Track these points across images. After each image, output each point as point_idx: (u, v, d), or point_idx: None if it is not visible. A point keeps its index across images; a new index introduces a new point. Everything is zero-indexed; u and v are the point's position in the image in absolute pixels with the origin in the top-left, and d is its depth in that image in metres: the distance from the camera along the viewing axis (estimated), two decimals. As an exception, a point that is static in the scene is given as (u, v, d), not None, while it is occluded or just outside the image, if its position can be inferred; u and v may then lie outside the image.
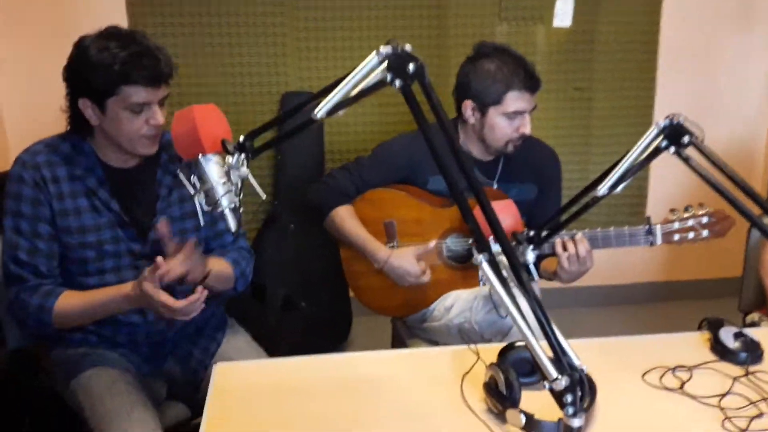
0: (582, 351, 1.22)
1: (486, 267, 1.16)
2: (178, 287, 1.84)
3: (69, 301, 1.75)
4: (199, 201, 1.44)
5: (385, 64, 1.24)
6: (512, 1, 3.19)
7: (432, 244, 2.12)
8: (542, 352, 1.12)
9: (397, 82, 1.23)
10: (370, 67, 1.26)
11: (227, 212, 1.44)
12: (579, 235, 2.00)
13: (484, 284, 1.81)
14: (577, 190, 1.65)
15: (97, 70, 1.66)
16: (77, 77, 1.72)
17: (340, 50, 3.15)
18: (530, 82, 2.08)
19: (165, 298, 1.62)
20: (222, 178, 1.41)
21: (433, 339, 2.24)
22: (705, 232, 1.97)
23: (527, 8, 3.20)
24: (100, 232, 1.79)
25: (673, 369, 1.54)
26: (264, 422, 1.41)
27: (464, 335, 2.09)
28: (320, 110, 1.33)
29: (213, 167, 1.44)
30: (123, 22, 3.01)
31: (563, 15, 3.19)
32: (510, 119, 2.10)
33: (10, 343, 1.99)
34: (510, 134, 2.12)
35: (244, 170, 1.47)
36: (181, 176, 1.50)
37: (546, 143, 2.37)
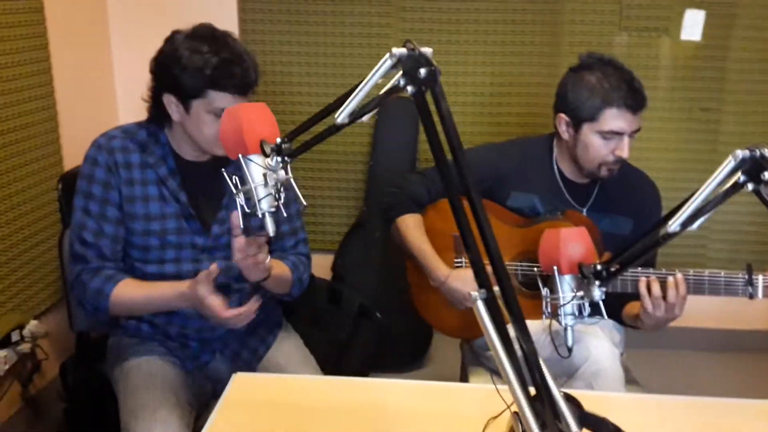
0: (632, 408, 1.03)
1: (480, 306, 1.01)
2: (235, 285, 1.82)
3: (126, 289, 1.76)
4: (240, 203, 1.38)
5: (400, 67, 1.11)
6: (634, 10, 2.93)
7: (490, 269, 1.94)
8: (532, 415, 0.95)
9: (410, 88, 1.10)
10: (384, 70, 1.14)
11: (267, 216, 1.38)
12: (671, 279, 1.77)
13: (547, 317, 1.62)
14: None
15: (187, 71, 1.67)
16: (166, 73, 1.73)
17: (445, 54, 3.03)
18: (632, 100, 1.86)
19: (214, 303, 1.61)
20: (263, 181, 1.36)
21: (497, 370, 2.07)
22: (816, 286, 1.69)
23: (651, 18, 2.93)
24: (165, 221, 1.80)
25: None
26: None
27: (528, 371, 1.91)
28: (340, 115, 1.23)
29: (254, 168, 1.38)
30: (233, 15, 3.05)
31: (692, 27, 2.89)
32: (606, 139, 1.90)
33: (76, 327, 2.04)
34: (604, 156, 1.92)
35: (282, 174, 1.39)
36: (225, 176, 1.45)
37: (649, 177, 2.13)
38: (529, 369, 0.96)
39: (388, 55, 1.13)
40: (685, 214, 1.33)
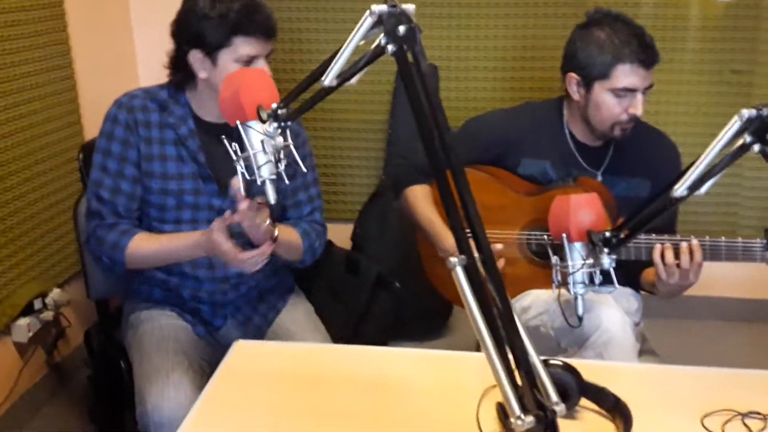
0: (638, 378, 0.99)
1: (459, 272, 0.98)
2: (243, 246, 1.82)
3: (143, 242, 1.79)
4: (241, 170, 1.37)
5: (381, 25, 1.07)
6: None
7: (499, 246, 1.91)
8: (509, 384, 0.93)
9: (390, 47, 1.06)
10: (365, 29, 1.10)
11: (267, 183, 1.37)
12: (684, 245, 1.72)
13: (557, 287, 1.58)
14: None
15: (211, 20, 1.69)
16: (189, 30, 1.74)
17: (465, 18, 2.96)
18: (644, 55, 1.79)
19: (229, 247, 1.63)
20: (261, 148, 1.34)
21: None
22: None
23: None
24: (183, 181, 1.82)
25: (744, 414, 1.26)
26: (261, 407, 1.33)
27: (539, 341, 1.87)
28: (326, 77, 1.20)
29: (253, 135, 1.37)
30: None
31: (723, -15, 2.78)
32: (618, 97, 1.84)
33: (93, 294, 2.07)
34: (617, 115, 1.85)
35: (280, 140, 1.38)
36: (226, 143, 1.44)
37: (668, 137, 2.06)
38: (507, 338, 0.93)
39: (368, 12, 1.09)
40: (692, 177, 1.29)
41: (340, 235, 3.09)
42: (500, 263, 1.94)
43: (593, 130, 1.92)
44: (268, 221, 1.64)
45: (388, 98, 3.06)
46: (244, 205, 1.57)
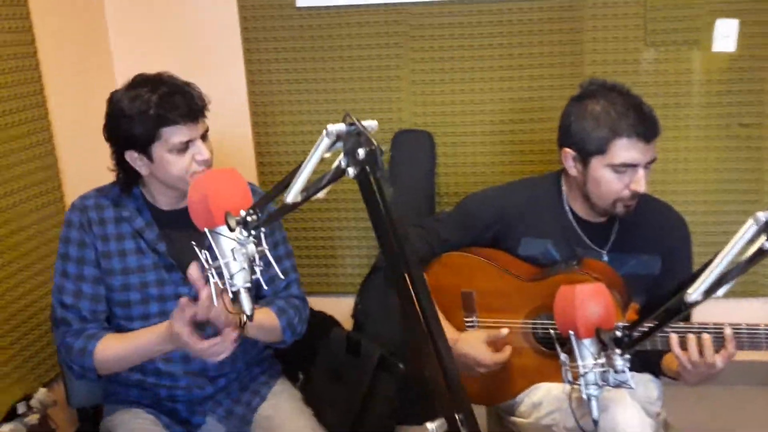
0: None
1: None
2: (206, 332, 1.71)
3: (109, 343, 1.73)
4: (213, 280, 1.30)
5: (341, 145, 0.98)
6: (660, 23, 2.72)
7: (505, 331, 1.78)
8: None
9: (351, 171, 0.97)
10: (323, 149, 1.01)
11: (242, 292, 1.29)
12: (706, 336, 1.59)
13: (570, 384, 1.45)
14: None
15: (134, 119, 1.66)
16: (118, 132, 1.72)
17: (459, 82, 2.86)
18: (642, 127, 1.68)
19: (190, 337, 1.56)
20: (233, 255, 1.27)
21: (520, 435, 1.90)
22: None
23: (679, 30, 2.72)
24: (145, 273, 1.77)
25: None
26: None
27: (554, 441, 1.73)
28: (289, 194, 1.11)
29: (224, 242, 1.29)
30: (239, 57, 2.96)
31: (725, 37, 2.67)
32: (618, 173, 1.72)
33: (73, 402, 2.00)
34: (618, 191, 1.73)
35: (252, 248, 1.29)
36: (195, 248, 1.36)
37: (675, 210, 1.93)
38: None
39: (325, 132, 1.00)
40: (708, 281, 1.16)
41: (341, 308, 2.99)
42: (506, 351, 1.82)
43: (594, 207, 1.80)
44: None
45: (385, 167, 2.94)
46: (204, 294, 1.50)
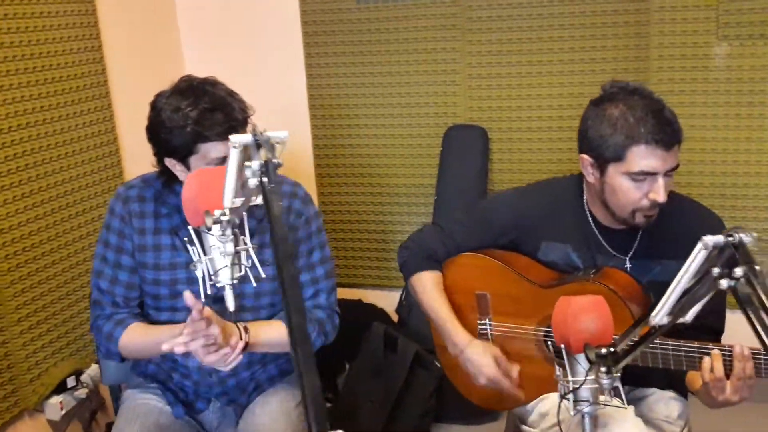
0: None
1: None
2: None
3: (134, 333, 1.79)
4: (201, 275, 1.34)
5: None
6: (734, 16, 2.53)
7: (515, 372, 1.74)
8: None
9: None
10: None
11: (227, 288, 1.32)
12: (716, 352, 1.49)
13: (564, 397, 1.38)
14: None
15: (173, 132, 1.66)
16: (157, 140, 1.73)
17: (516, 77, 2.78)
18: (662, 134, 1.56)
19: (200, 354, 1.59)
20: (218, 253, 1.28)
21: (535, 444, 1.83)
22: None
23: (755, 23, 2.52)
24: (176, 270, 1.80)
25: None
26: None
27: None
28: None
29: (210, 240, 1.32)
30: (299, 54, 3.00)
31: (806, 31, 2.45)
32: (636, 181, 1.61)
33: (105, 380, 2.09)
34: (637, 201, 1.63)
35: (230, 247, 1.30)
36: (188, 247, 1.40)
37: (708, 209, 1.80)
38: None
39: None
40: (667, 305, 1.07)
41: (388, 301, 3.01)
42: (513, 372, 1.75)
43: (614, 216, 1.70)
44: (217, 331, 1.59)
45: (436, 162, 2.91)
46: (195, 313, 1.54)
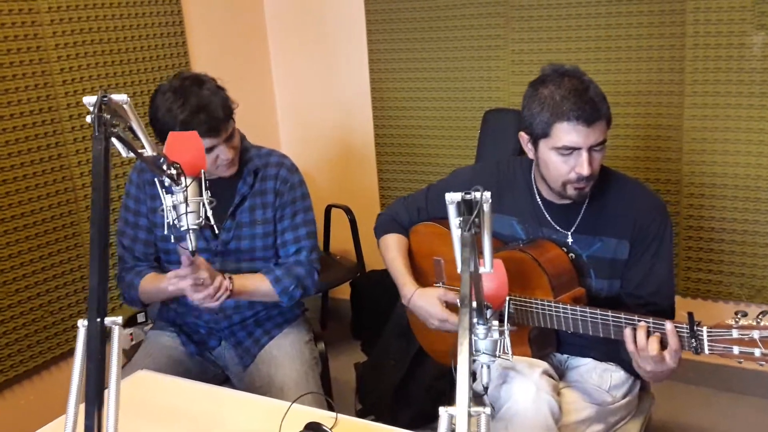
0: None
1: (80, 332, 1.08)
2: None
3: (148, 282, 2.12)
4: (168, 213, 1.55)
5: None
6: (771, 3, 2.48)
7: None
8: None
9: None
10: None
11: (190, 232, 1.56)
12: (642, 325, 1.61)
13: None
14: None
15: (165, 129, 1.91)
16: (155, 130, 2.00)
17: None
18: (580, 111, 1.68)
19: (187, 289, 1.90)
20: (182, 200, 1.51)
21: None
22: (780, 352, 1.40)
23: (793, 12, 2.45)
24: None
25: None
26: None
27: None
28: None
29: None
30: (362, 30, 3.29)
31: (843, 19, 2.36)
32: (563, 156, 1.74)
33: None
34: (565, 174, 1.75)
35: (180, 197, 1.53)
36: (161, 194, 1.59)
37: (652, 192, 1.88)
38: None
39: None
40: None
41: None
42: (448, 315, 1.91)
43: (551, 189, 1.83)
44: (205, 275, 1.89)
45: (474, 142, 3.07)
46: (184, 259, 1.84)
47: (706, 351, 1.49)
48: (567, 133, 1.71)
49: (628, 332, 1.62)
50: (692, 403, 2.81)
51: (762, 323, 1.41)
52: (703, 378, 2.75)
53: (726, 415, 2.78)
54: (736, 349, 1.44)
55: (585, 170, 1.71)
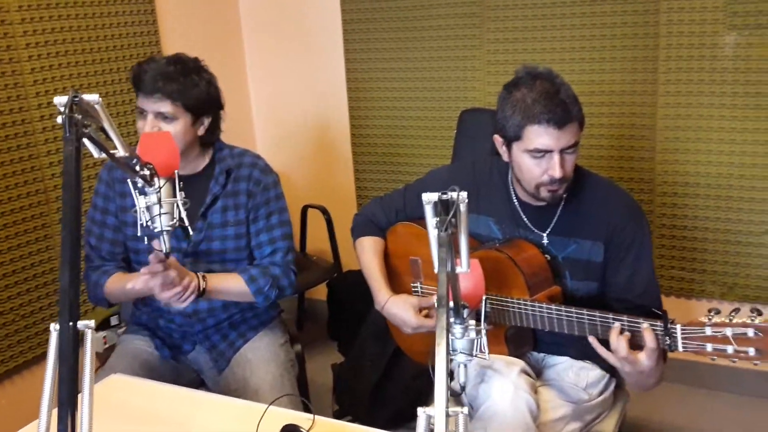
0: None
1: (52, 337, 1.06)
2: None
3: (114, 282, 2.07)
4: (140, 221, 1.53)
5: None
6: (742, 5, 2.50)
7: (434, 300, 1.89)
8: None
9: None
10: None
11: (164, 234, 1.55)
12: (616, 325, 1.62)
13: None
14: None
15: (133, 79, 2.00)
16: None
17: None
18: (551, 114, 1.69)
19: (158, 292, 1.87)
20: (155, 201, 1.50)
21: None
22: (751, 351, 1.42)
23: (764, 13, 2.48)
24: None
25: None
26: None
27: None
28: None
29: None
30: (338, 29, 3.28)
31: (813, 20, 2.40)
32: (535, 158, 1.75)
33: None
34: (538, 177, 1.76)
35: (153, 198, 1.53)
36: (134, 194, 1.59)
37: (626, 193, 1.90)
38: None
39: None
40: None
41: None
42: (434, 317, 1.92)
43: (526, 191, 1.84)
44: (174, 275, 1.85)
45: (450, 143, 3.09)
46: (152, 257, 1.80)
47: (680, 348, 1.51)
48: (538, 135, 1.71)
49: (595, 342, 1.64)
50: (666, 400, 2.84)
51: (734, 320, 1.43)
52: (677, 375, 2.77)
53: (700, 412, 2.81)
54: (709, 347, 1.46)
55: (557, 172, 1.72)
